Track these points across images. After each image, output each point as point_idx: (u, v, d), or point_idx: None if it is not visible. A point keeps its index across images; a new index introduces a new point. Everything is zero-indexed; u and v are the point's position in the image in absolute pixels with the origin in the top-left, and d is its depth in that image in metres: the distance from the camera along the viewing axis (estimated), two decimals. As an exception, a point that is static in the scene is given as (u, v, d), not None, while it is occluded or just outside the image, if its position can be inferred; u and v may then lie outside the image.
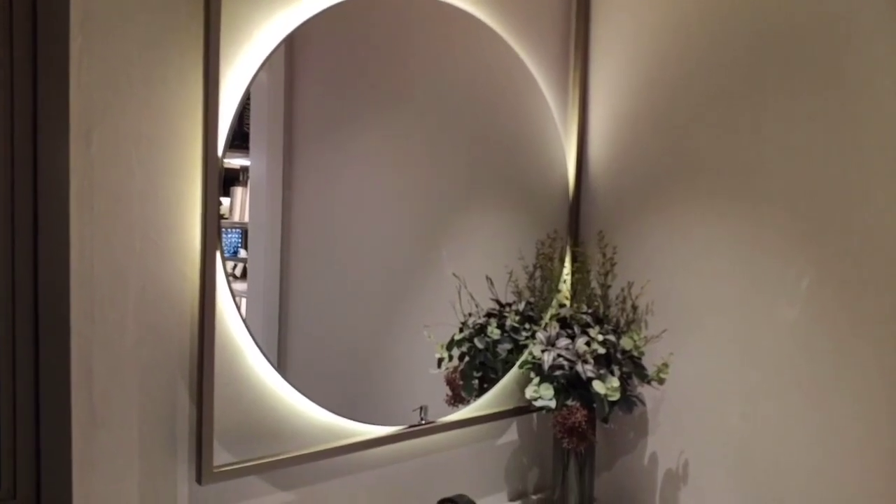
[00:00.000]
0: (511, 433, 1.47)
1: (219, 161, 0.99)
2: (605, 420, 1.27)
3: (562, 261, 1.50)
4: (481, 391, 1.39)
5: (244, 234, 1.16)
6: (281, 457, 1.09)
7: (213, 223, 0.99)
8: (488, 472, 1.43)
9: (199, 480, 1.01)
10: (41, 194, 0.91)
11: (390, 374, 1.25)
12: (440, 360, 1.34)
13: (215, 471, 1.02)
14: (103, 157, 0.93)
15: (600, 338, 1.28)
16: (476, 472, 1.41)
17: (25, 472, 0.89)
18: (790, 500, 1.17)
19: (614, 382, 1.22)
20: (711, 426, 1.28)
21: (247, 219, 1.15)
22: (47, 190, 0.90)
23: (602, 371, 1.26)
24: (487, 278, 1.42)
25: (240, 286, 1.08)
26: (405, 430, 1.25)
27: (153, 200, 0.97)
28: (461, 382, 1.38)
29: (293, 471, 1.13)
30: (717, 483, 1.28)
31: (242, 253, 1.16)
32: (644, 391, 1.40)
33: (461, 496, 1.17)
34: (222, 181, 1.00)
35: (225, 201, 1.07)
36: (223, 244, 1.01)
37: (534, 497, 1.49)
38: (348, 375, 1.21)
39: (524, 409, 1.44)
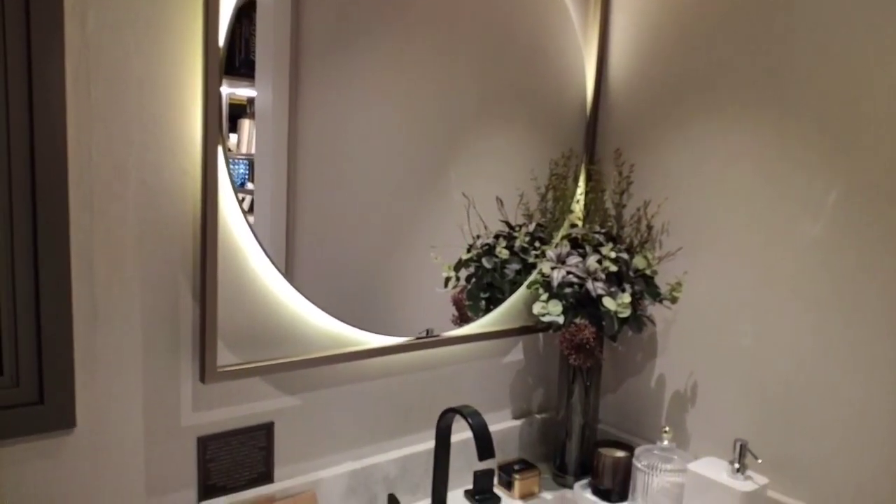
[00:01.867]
0: (517, 353, 1.46)
1: (219, 48, 0.95)
2: (614, 338, 1.26)
3: (576, 180, 1.45)
4: (488, 312, 1.38)
5: (251, 165, 1.12)
6: (286, 360, 1.08)
7: (214, 115, 0.95)
8: (493, 390, 1.43)
9: (202, 379, 1.01)
10: (35, 77, 0.87)
11: (396, 295, 1.23)
12: (447, 280, 1.32)
13: (219, 370, 1.01)
14: (99, 40, 0.88)
15: (612, 255, 1.24)
16: (481, 390, 1.40)
17: (27, 361, 0.88)
18: (800, 421, 1.16)
19: (625, 298, 1.19)
20: (723, 346, 1.26)
21: (254, 151, 1.11)
22: (41, 73, 0.86)
23: (613, 289, 1.23)
24: (498, 199, 1.38)
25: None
26: (411, 342, 1.24)
27: (152, 89, 0.93)
28: (468, 303, 1.36)
29: (298, 375, 1.13)
30: (725, 404, 1.27)
31: (250, 185, 1.13)
32: (655, 312, 1.38)
33: (466, 406, 1.16)
34: (223, 69, 0.96)
35: (232, 137, 1.03)
36: (230, 168, 0.98)
37: (538, 416, 1.49)
38: (354, 293, 1.19)
39: (530, 328, 1.43)
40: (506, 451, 1.43)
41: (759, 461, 1.17)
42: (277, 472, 1.12)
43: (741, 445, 1.11)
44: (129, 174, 0.93)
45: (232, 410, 1.07)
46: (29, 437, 0.89)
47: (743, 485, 1.09)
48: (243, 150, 1.12)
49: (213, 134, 0.96)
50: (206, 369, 1.00)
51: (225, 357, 1.03)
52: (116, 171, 0.92)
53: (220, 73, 0.95)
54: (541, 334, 1.49)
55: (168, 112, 0.95)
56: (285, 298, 1.09)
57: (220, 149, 0.97)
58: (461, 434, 1.36)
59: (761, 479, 1.12)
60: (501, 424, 1.43)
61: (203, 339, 1.00)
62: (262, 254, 1.05)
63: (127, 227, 0.94)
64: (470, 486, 1.36)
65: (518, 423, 1.45)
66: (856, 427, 1.09)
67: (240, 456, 1.08)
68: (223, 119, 0.97)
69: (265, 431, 1.10)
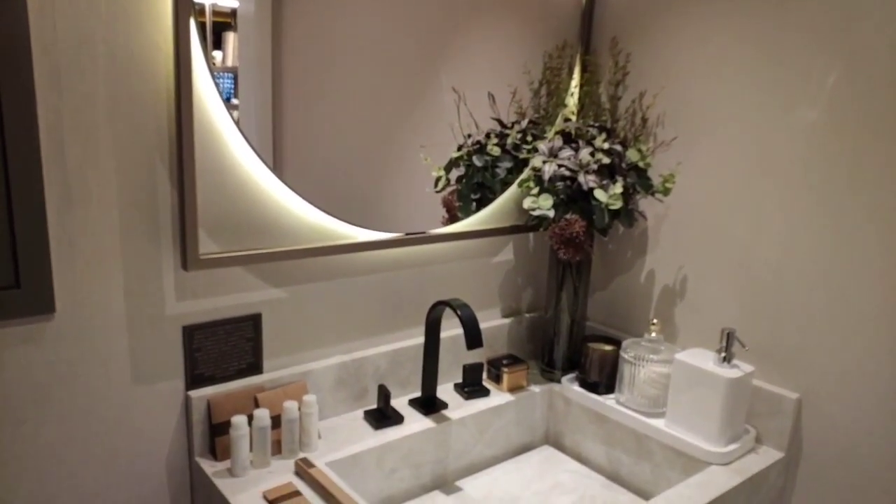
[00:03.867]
0: (507, 253, 1.45)
1: None
2: (604, 232, 1.24)
3: (570, 73, 1.40)
4: (478, 212, 1.35)
5: (236, 80, 1.05)
6: (271, 250, 1.06)
7: (185, -16, 0.89)
8: (483, 288, 1.42)
9: (184, 266, 0.99)
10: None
11: (386, 196, 1.19)
12: (437, 181, 1.28)
13: (201, 258, 0.99)
14: None
15: (605, 146, 1.21)
16: (471, 288, 1.40)
17: (1, 245, 0.85)
18: (788, 310, 1.16)
19: (617, 189, 1.17)
20: (714, 239, 1.25)
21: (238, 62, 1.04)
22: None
23: (605, 182, 1.20)
24: (489, 95, 1.32)
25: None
26: (400, 238, 1.21)
27: (116, -48, 0.86)
28: (458, 204, 1.33)
29: (284, 267, 1.11)
30: (714, 297, 1.27)
31: (236, 101, 1.06)
32: (647, 208, 1.36)
33: (455, 299, 1.16)
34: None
35: (217, 54, 0.97)
36: (207, 48, 0.91)
37: (527, 315, 1.50)
38: (344, 192, 1.15)
39: (521, 227, 1.41)
40: (494, 348, 1.44)
41: (746, 348, 1.18)
42: (266, 363, 1.12)
43: (728, 333, 1.12)
44: (97, 48, 0.87)
45: (217, 301, 1.05)
46: (8, 321, 0.87)
47: (729, 372, 1.11)
48: (228, 63, 1.06)
49: (185, 5, 0.89)
50: (187, 256, 0.98)
51: (207, 245, 1.00)
52: (84, 46, 0.86)
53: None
54: (531, 234, 1.48)
55: (134, -21, 0.88)
56: (270, 189, 1.05)
57: (192, 22, 0.91)
58: (450, 331, 1.36)
59: (747, 367, 1.13)
60: (490, 322, 1.44)
61: (183, 226, 0.97)
62: (244, 142, 1.00)
63: (97, 106, 0.89)
64: (459, 381, 1.37)
65: (507, 321, 1.46)
66: (842, 314, 1.09)
67: (227, 346, 1.07)
68: (194, -13, 0.91)
69: (252, 323, 1.09)
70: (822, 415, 1.13)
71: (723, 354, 1.13)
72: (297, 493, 0.96)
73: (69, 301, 0.91)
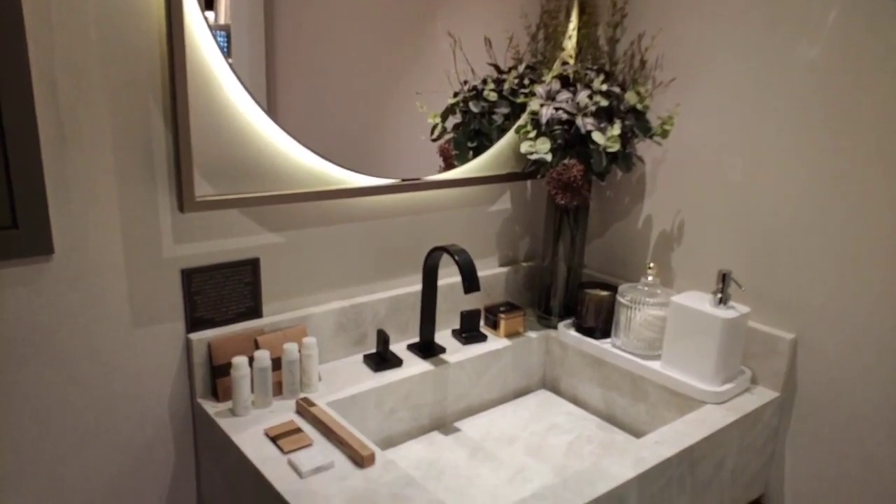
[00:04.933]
0: (504, 201, 1.44)
1: None
2: (602, 176, 1.24)
3: (567, 15, 1.38)
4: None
5: (229, 38, 1.02)
6: (267, 194, 1.05)
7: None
8: (480, 237, 1.43)
9: (180, 208, 0.99)
10: None
11: (382, 144, 1.18)
12: (433, 128, 1.27)
13: (198, 200, 0.99)
14: None
15: (604, 88, 1.20)
16: (468, 237, 1.40)
17: (-4, 186, 0.85)
18: (785, 253, 1.17)
19: (615, 131, 1.16)
20: (712, 183, 1.25)
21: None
22: None
23: (603, 125, 1.20)
24: (486, 40, 1.30)
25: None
26: (397, 184, 1.21)
27: None
28: (455, 152, 1.33)
29: (281, 212, 1.11)
30: (711, 241, 1.27)
31: (229, 62, 1.04)
32: (645, 153, 1.35)
33: (453, 245, 1.16)
34: None
35: (210, 15, 0.95)
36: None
37: (524, 264, 1.50)
38: (339, 139, 1.14)
39: (518, 174, 1.41)
40: (492, 296, 1.45)
41: (743, 289, 1.18)
42: (266, 307, 1.13)
43: (724, 275, 1.12)
44: (84, -17, 0.86)
45: (215, 245, 1.05)
46: (6, 261, 0.87)
47: (725, 313, 1.12)
48: (221, 21, 1.04)
49: (173, -62, 0.87)
50: (183, 199, 0.97)
51: (203, 188, 1.00)
52: (70, -21, 0.85)
53: None
54: (528, 182, 1.47)
55: (121, -89, 0.86)
56: (266, 133, 1.04)
57: (181, -44, 0.89)
58: (448, 279, 1.37)
59: (743, 308, 1.14)
60: (488, 271, 1.44)
61: (178, 168, 0.97)
62: (239, 84, 0.99)
63: (89, 44, 0.87)
64: (457, 327, 1.39)
65: (504, 270, 1.46)
66: (840, 255, 1.10)
67: (226, 290, 1.08)
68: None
69: (251, 267, 1.10)
70: (817, 355, 1.15)
71: (719, 296, 1.13)
72: (298, 430, 0.98)
73: (67, 242, 0.91)
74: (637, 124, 1.21)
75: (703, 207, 1.27)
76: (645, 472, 0.94)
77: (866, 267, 1.07)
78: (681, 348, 1.17)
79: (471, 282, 1.12)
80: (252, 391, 1.06)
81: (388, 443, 1.18)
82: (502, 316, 1.35)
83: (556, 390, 1.41)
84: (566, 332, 1.35)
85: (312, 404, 1.04)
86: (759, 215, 1.19)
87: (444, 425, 1.26)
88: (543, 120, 1.22)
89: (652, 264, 1.24)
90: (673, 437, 1.02)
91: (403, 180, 1.22)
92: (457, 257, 1.13)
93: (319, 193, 1.11)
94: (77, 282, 0.93)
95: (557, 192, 1.23)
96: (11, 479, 0.93)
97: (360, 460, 0.91)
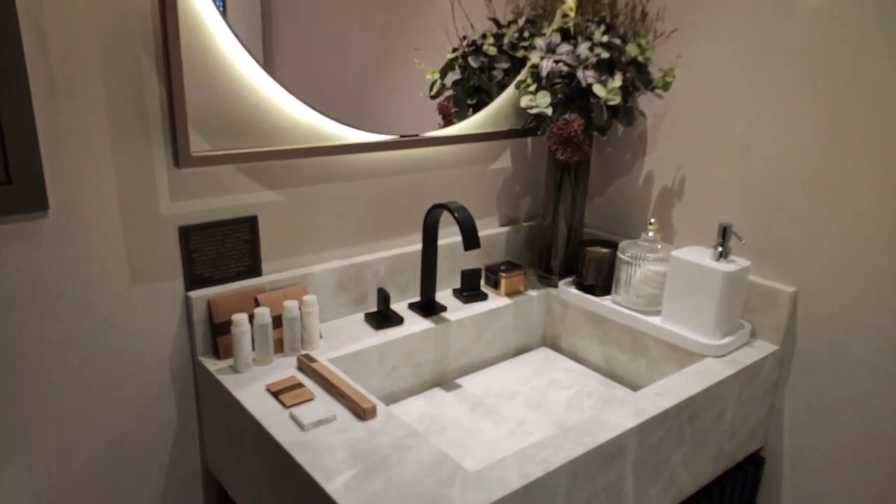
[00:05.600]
0: (504, 160, 1.43)
1: None
2: (603, 131, 1.22)
3: (567, -34, 1.34)
4: (475, 117, 1.33)
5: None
6: (263, 149, 1.04)
7: None
8: (480, 196, 1.41)
9: (176, 164, 0.97)
10: None
11: (379, 101, 1.16)
12: (432, 85, 1.25)
13: (193, 155, 0.98)
14: None
15: (604, 40, 1.18)
16: (468, 196, 1.39)
17: (-11, 141, 0.84)
18: (787, 206, 1.16)
19: (616, 83, 1.14)
20: (714, 136, 1.23)
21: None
22: None
23: (604, 77, 1.18)
24: (485, -8, 1.28)
25: None
26: (395, 140, 1.20)
27: None
28: (454, 110, 1.31)
29: (279, 169, 1.10)
30: (712, 195, 1.26)
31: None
32: (646, 107, 1.34)
33: (453, 202, 1.15)
34: None
35: None
36: None
37: (525, 224, 1.50)
38: (336, 96, 1.12)
39: (518, 131, 1.39)
40: (492, 256, 1.44)
41: (744, 242, 1.18)
42: (265, 266, 1.13)
43: (725, 228, 1.12)
44: (70, -70, 0.83)
45: (212, 202, 1.04)
46: (2, 217, 0.87)
47: (725, 266, 1.11)
48: None
49: None
50: (178, 154, 0.96)
51: (198, 144, 0.99)
52: (55, -75, 0.82)
53: None
54: (529, 140, 1.46)
55: None
56: (262, 87, 1.03)
57: None
58: (448, 238, 1.36)
59: (743, 262, 1.14)
60: (488, 231, 1.44)
61: (173, 122, 0.95)
62: (234, 38, 0.97)
63: (76, -7, 0.85)
64: (458, 287, 1.38)
65: (504, 230, 1.45)
66: (841, 208, 1.09)
67: (224, 248, 1.07)
68: None
69: (249, 225, 1.09)
70: (817, 308, 1.15)
71: (719, 250, 1.13)
72: (300, 385, 0.99)
73: (62, 198, 0.91)
74: (638, 76, 1.19)
75: (705, 162, 1.26)
76: (644, 422, 0.94)
77: (868, 219, 1.06)
78: (681, 303, 1.17)
79: (471, 239, 1.11)
80: (253, 349, 1.06)
81: (391, 399, 1.18)
82: (503, 275, 1.35)
83: (556, 348, 1.42)
84: (567, 290, 1.35)
85: (314, 360, 1.04)
86: (761, 168, 1.18)
87: (445, 382, 1.26)
88: (544, 73, 1.20)
89: (653, 220, 1.23)
90: (672, 389, 1.03)
91: (402, 136, 1.21)
92: (456, 214, 1.12)
93: (317, 150, 1.10)
94: (74, 238, 0.93)
95: (558, 148, 1.22)
96: (16, 438, 0.94)
97: (362, 413, 0.91)
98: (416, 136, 1.23)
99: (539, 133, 1.32)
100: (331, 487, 0.77)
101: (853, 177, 1.06)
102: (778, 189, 1.16)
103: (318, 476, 0.79)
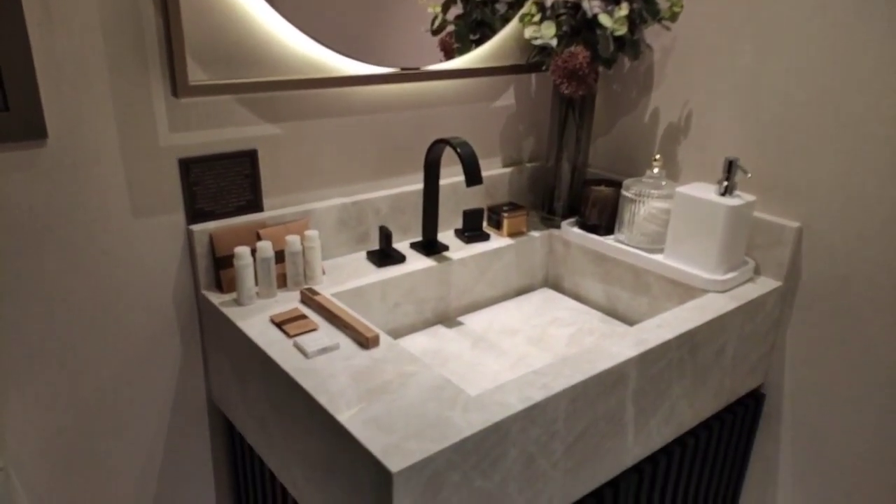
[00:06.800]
0: (508, 97, 1.41)
1: None
2: (609, 64, 1.20)
3: None
4: (478, 55, 1.30)
5: None
6: (263, 80, 1.02)
7: None
8: (483, 135, 1.40)
9: (174, 94, 0.96)
10: None
11: (380, 36, 1.13)
12: (433, 20, 1.22)
13: (191, 85, 0.96)
14: None
15: (611, -32, 1.14)
16: (471, 135, 1.37)
17: (-17, 67, 0.83)
18: (794, 140, 1.14)
19: (622, 12, 1.11)
20: (721, 69, 1.21)
21: None
22: None
23: (610, 7, 1.15)
24: (489, -75, 1.23)
25: None
26: (396, 73, 1.17)
27: None
28: (456, 45, 1.28)
29: (278, 101, 1.08)
30: (719, 132, 1.24)
31: None
32: (653, 41, 1.31)
33: (455, 137, 1.14)
34: None
35: None
36: None
37: (528, 165, 1.48)
38: (334, 31, 1.10)
39: (522, 66, 1.36)
40: (495, 197, 1.43)
41: (749, 175, 1.16)
42: (266, 201, 1.12)
43: (731, 162, 1.10)
44: None
45: (211, 134, 1.03)
46: (1, 144, 0.86)
47: (730, 201, 1.10)
48: None
49: None
50: (177, 83, 0.95)
51: (196, 73, 0.97)
52: None
53: None
54: (533, 76, 1.43)
55: None
56: (261, 17, 1.00)
57: None
58: (450, 178, 1.35)
59: (749, 197, 1.13)
60: (491, 171, 1.42)
61: (171, 51, 0.94)
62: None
63: (66, -88, 0.83)
64: (460, 227, 1.38)
65: (507, 170, 1.44)
66: (849, 141, 1.07)
67: (225, 182, 1.07)
68: None
69: (249, 159, 1.08)
70: (822, 244, 1.14)
71: (724, 184, 1.12)
72: (303, 317, 0.99)
73: (61, 127, 0.90)
74: (645, 6, 1.16)
75: (712, 96, 1.24)
76: (645, 352, 0.95)
77: (876, 153, 1.04)
78: (684, 239, 1.16)
79: (473, 174, 1.10)
80: (256, 283, 1.06)
81: (394, 335, 1.19)
82: (505, 215, 1.34)
83: (558, 288, 1.42)
84: (569, 230, 1.35)
85: (317, 293, 1.04)
86: (768, 102, 1.16)
87: (447, 320, 1.27)
88: (548, 3, 1.17)
89: (658, 156, 1.21)
90: (674, 322, 1.03)
91: (403, 69, 1.19)
92: (459, 149, 1.11)
93: (316, 81, 1.08)
94: (74, 169, 0.92)
95: (563, 82, 1.20)
96: (22, 368, 0.95)
97: (365, 342, 0.92)
98: (417, 69, 1.20)
99: (543, 69, 1.29)
100: (335, 410, 0.78)
101: (862, 108, 1.04)
102: (786, 122, 1.14)
103: (323, 400, 0.80)
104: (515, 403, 0.81)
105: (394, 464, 0.70)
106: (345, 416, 0.77)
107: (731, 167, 1.11)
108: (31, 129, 0.87)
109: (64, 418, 1.01)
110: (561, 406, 0.85)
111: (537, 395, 0.82)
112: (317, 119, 1.14)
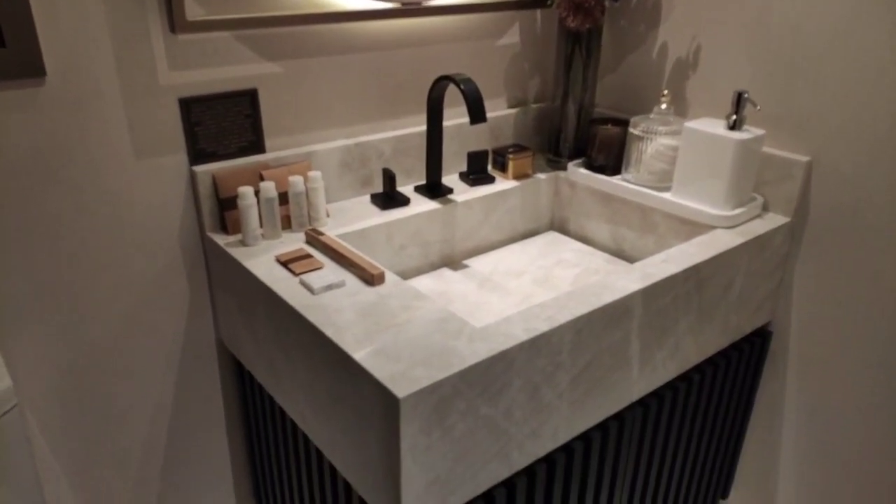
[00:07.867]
0: (513, 35, 1.38)
1: None
2: (616, -3, 1.16)
3: None
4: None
5: None
6: (262, 14, 1.00)
7: None
8: (488, 75, 1.37)
9: (172, 29, 0.94)
10: None
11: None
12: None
13: (189, 20, 0.94)
14: None
15: None
16: (475, 74, 1.35)
17: (-24, 1, 0.81)
18: (804, 73, 1.11)
19: (630, -61, 1.08)
20: (729, 0, 1.17)
21: None
22: None
23: (617, -65, 1.11)
24: None
25: None
26: (398, 7, 1.15)
27: None
28: (459, -14, 1.24)
29: (277, 39, 1.06)
30: (728, 66, 1.21)
31: None
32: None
33: (459, 74, 1.11)
34: None
35: None
36: None
37: (533, 106, 1.46)
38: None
39: (526, 1, 1.33)
40: (500, 140, 1.42)
41: (758, 108, 1.14)
42: (268, 142, 1.11)
43: (740, 94, 1.08)
44: None
45: (211, 72, 1.02)
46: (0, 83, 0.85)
47: (739, 135, 1.08)
48: None
49: None
50: (174, 19, 0.93)
51: (194, 9, 0.95)
52: None
53: None
54: (539, 13, 1.40)
55: None
56: (253, -52, 0.98)
57: None
58: (454, 119, 1.33)
59: (758, 131, 1.11)
60: (496, 112, 1.40)
61: (166, -16, 0.92)
62: None
63: None
64: (464, 170, 1.37)
65: (513, 111, 1.42)
66: (860, 73, 1.04)
67: (226, 122, 1.05)
68: None
69: (249, 98, 1.07)
70: (831, 178, 1.12)
71: (733, 118, 1.10)
72: (309, 256, 0.99)
73: (59, 64, 0.88)
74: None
75: (721, 29, 1.20)
76: (650, 286, 0.95)
77: (888, 85, 1.02)
78: (692, 176, 1.15)
79: (477, 112, 1.08)
80: (260, 225, 1.06)
81: (400, 277, 1.19)
82: (510, 157, 1.33)
83: (564, 231, 1.41)
84: (576, 171, 1.33)
85: (321, 234, 1.04)
86: (778, 32, 1.12)
87: (452, 262, 1.27)
88: (553, -67, 1.13)
89: (666, 91, 1.19)
90: (680, 257, 1.03)
91: (404, 4, 1.16)
92: (462, 86, 1.09)
93: (316, 16, 1.06)
94: (74, 108, 0.91)
95: (568, 14, 1.17)
96: (31, 308, 0.96)
97: (371, 279, 0.92)
98: (419, 3, 1.18)
99: (549, 3, 1.26)
100: (342, 341, 0.79)
101: (873, 37, 1.01)
102: (796, 54, 1.11)
103: (329, 332, 0.81)
104: (520, 334, 0.81)
105: (400, 389, 0.70)
106: (351, 347, 0.78)
107: (739, 100, 1.08)
108: (30, 66, 0.86)
109: (75, 358, 1.02)
110: (566, 337, 0.85)
111: (542, 326, 0.83)
112: (317, 57, 1.12)
